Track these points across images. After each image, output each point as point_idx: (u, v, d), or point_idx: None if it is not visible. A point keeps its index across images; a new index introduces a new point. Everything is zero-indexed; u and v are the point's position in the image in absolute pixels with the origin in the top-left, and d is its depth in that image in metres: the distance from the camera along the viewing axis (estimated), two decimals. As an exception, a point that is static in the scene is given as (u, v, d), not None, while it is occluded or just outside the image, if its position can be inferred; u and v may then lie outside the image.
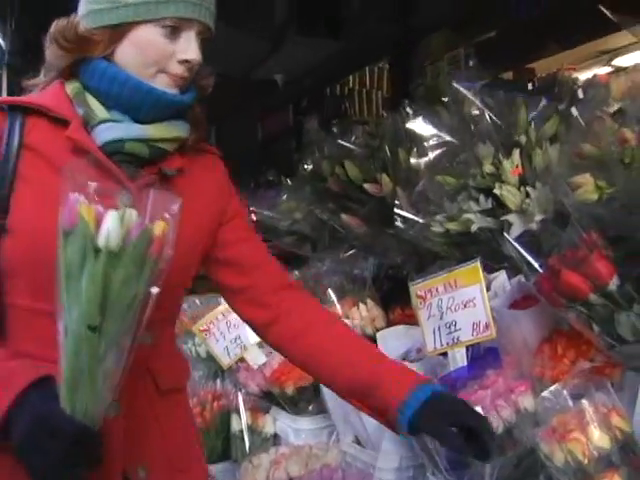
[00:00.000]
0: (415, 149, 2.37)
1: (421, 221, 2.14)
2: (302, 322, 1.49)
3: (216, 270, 1.52)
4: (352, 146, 2.97)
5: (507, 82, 3.84)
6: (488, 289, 1.93)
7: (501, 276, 1.96)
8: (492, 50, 4.23)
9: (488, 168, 1.96)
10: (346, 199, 2.79)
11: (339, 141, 3.04)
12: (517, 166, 1.94)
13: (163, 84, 1.32)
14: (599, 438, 1.30)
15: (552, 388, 1.45)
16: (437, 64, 4.33)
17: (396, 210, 2.23)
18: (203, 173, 1.46)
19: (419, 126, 2.39)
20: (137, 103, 1.32)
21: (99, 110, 1.32)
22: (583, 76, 4.66)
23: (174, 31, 1.30)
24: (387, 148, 2.58)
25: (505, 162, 1.95)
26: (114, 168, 1.30)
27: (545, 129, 2.07)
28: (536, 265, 1.58)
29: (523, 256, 1.62)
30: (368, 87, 6.41)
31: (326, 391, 2.13)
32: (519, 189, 1.93)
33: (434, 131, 2.36)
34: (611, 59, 4.37)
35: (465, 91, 2.34)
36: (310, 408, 2.31)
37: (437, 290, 1.71)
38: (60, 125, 1.32)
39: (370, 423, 1.90)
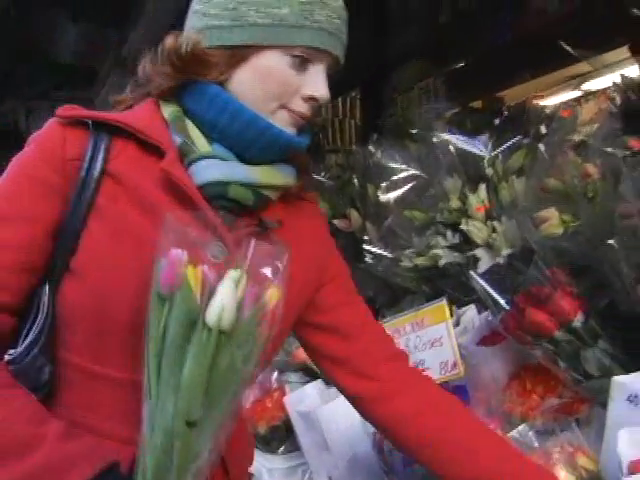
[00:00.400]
0: (384, 183, 2.38)
1: (390, 256, 2.14)
2: (418, 402, 1.27)
3: (312, 335, 1.32)
4: (322, 179, 2.98)
5: (477, 111, 3.88)
6: (457, 324, 1.93)
7: (470, 311, 1.96)
8: (463, 79, 4.27)
9: (454, 203, 1.97)
10: (317, 234, 2.79)
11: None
12: (483, 201, 1.95)
13: (282, 122, 1.14)
14: (565, 479, 1.30)
15: (520, 428, 1.45)
16: (408, 94, 4.37)
17: (365, 246, 2.23)
18: (303, 225, 1.27)
19: (387, 160, 2.40)
20: (248, 140, 1.13)
21: (200, 142, 1.14)
22: (553, 101, 4.73)
23: (303, 62, 1.12)
24: (356, 182, 2.59)
25: (471, 197, 1.96)
26: (212, 215, 1.10)
27: (511, 162, 2.08)
28: (502, 302, 1.58)
29: (489, 293, 1.62)
30: (341, 116, 6.45)
31: (298, 429, 2.11)
32: (486, 223, 1.94)
33: (403, 165, 2.38)
34: (580, 83, 4.43)
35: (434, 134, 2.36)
36: (283, 447, 2.29)
37: (405, 329, 1.71)
38: (152, 153, 1.12)
39: (342, 462, 1.89)
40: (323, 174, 3.06)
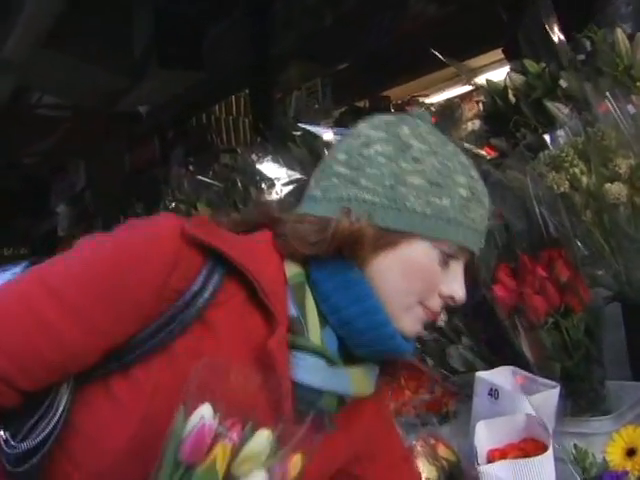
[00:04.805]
0: (265, 186, 2.42)
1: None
2: None
3: None
4: (210, 180, 2.99)
5: (362, 110, 3.97)
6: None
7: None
8: (348, 79, 4.36)
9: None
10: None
11: (198, 177, 3.07)
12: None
13: (415, 320, 1.04)
14: (427, 470, 1.37)
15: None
16: (295, 94, 4.43)
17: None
18: (363, 410, 1.13)
19: (269, 164, 2.44)
20: (365, 340, 1.02)
21: (313, 326, 1.00)
22: (442, 97, 4.87)
23: (447, 259, 1.02)
24: (240, 185, 2.62)
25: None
26: (289, 411, 0.95)
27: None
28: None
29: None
30: (235, 115, 6.46)
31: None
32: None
33: (285, 168, 2.42)
34: (470, 79, 4.58)
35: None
36: None
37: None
38: (259, 309, 0.97)
39: None
40: (211, 174, 3.08)
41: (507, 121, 2.00)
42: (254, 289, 0.96)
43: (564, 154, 1.46)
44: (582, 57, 1.82)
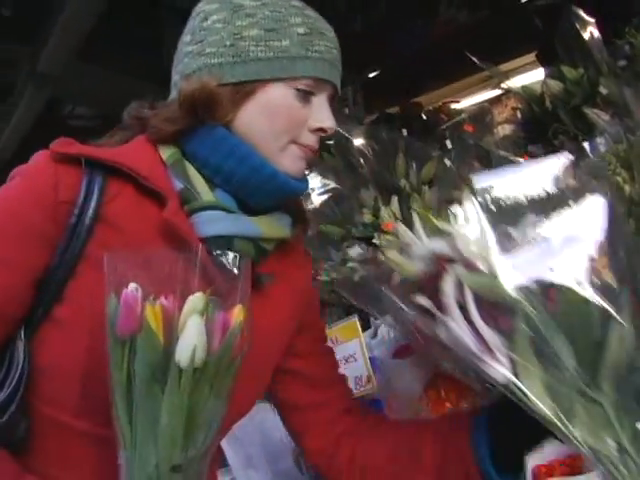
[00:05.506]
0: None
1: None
2: (373, 453, 1.23)
3: (279, 381, 1.28)
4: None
5: (394, 116, 3.96)
6: (375, 335, 1.97)
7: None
8: (380, 86, 4.35)
9: (367, 218, 2.01)
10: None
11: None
12: (394, 214, 1.99)
13: (293, 158, 1.11)
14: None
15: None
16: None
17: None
18: (293, 275, 1.23)
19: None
20: (252, 187, 1.09)
21: (203, 189, 1.08)
22: (472, 100, 4.83)
23: (306, 95, 1.09)
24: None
25: (383, 210, 2.00)
26: (214, 270, 1.00)
27: (423, 174, 2.13)
28: (411, 315, 1.61)
29: (399, 306, 1.66)
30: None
31: (225, 446, 2.12)
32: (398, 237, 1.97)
33: (319, 177, 2.40)
34: (500, 82, 4.55)
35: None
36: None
37: (319, 347, 1.74)
38: (150, 197, 1.06)
39: (267, 478, 1.91)
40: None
41: (544, 128, 1.98)
42: (138, 181, 1.05)
43: (606, 162, 1.44)
44: (622, 62, 1.80)
